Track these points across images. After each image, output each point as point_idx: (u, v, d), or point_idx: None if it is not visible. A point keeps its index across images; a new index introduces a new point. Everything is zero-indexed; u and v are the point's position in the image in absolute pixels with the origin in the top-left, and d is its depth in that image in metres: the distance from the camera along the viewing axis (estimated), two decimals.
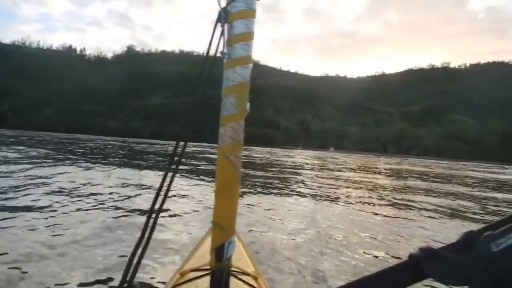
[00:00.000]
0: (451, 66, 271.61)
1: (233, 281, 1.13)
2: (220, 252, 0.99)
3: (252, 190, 8.26)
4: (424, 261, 0.61)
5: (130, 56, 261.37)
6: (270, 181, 10.42)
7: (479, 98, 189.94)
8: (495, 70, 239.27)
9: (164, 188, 0.89)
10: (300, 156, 38.60)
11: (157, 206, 0.88)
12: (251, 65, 0.93)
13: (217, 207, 0.98)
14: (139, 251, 0.86)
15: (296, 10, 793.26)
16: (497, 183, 17.34)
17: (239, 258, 1.44)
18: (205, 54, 0.97)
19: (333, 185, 10.67)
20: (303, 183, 10.60)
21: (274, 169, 16.11)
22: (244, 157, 27.33)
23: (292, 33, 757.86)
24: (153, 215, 0.92)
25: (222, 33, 0.96)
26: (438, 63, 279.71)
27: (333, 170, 18.21)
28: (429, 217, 6.39)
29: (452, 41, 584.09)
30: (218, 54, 0.96)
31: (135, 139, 59.73)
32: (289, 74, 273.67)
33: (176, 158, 0.90)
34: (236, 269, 1.24)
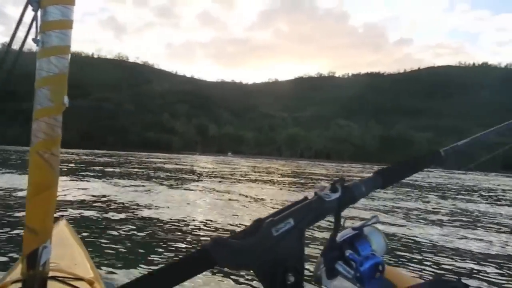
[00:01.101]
0: (336, 75, 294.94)
1: None
2: (33, 259, 0.93)
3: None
4: (213, 250, 0.67)
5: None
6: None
7: (360, 105, 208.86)
8: (372, 79, 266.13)
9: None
10: (199, 161, 37.86)
11: None
12: (69, 56, 0.89)
13: (30, 210, 0.92)
14: None
15: (190, 15, 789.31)
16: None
17: (76, 263, 1.40)
18: (12, 40, 0.90)
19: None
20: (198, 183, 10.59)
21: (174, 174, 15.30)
22: (141, 164, 25.71)
23: (188, 38, 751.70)
24: None
25: (34, 19, 0.89)
26: (325, 72, 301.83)
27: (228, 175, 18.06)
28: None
29: (336, 52, 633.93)
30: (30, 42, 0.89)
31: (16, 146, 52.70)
32: (185, 79, 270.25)
33: None
34: (68, 275, 1.20)
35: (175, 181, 13.59)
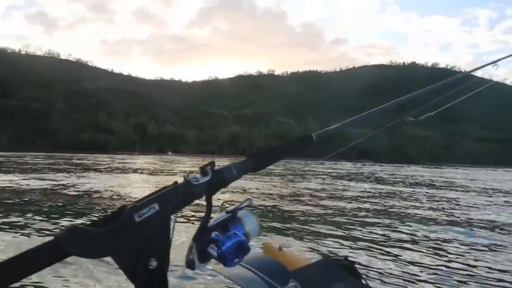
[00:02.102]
0: (276, 73, 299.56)
1: None
2: None
3: None
4: (65, 240, 0.63)
5: None
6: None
7: (299, 102, 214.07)
8: (310, 78, 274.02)
9: None
10: (135, 161, 36.89)
11: None
12: None
13: None
14: None
15: (126, 11, 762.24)
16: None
17: None
18: None
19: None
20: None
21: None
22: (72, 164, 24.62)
23: (124, 35, 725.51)
24: None
25: None
26: (265, 71, 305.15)
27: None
28: None
29: (275, 51, 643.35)
30: None
31: None
32: (121, 76, 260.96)
33: None
34: None
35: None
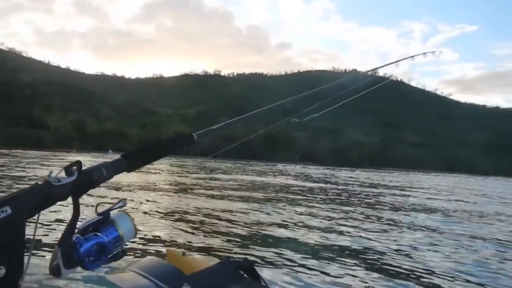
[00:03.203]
0: (222, 74, 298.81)
1: None
2: None
3: None
4: None
5: None
6: None
7: (245, 103, 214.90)
8: (256, 80, 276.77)
9: None
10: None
11: None
12: None
13: None
14: None
15: (65, 1, 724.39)
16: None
17: None
18: None
19: None
20: None
21: None
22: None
23: (62, 26, 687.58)
24: None
25: None
26: (211, 70, 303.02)
27: None
28: None
29: (221, 51, 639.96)
30: None
31: None
32: (59, 69, 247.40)
33: None
34: None
35: None
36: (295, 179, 22.77)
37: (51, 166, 20.69)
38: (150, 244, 5.17)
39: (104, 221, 0.86)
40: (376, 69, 2.19)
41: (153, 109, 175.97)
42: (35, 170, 18.26)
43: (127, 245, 0.91)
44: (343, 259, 5.08)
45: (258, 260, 4.65)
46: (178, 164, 38.54)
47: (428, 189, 23.60)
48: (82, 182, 0.77)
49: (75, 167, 0.78)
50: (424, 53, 2.25)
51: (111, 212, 0.88)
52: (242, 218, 7.95)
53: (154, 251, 4.76)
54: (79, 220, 0.83)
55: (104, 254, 0.80)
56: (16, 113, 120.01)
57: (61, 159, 36.00)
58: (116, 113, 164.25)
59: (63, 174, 0.77)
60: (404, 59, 2.21)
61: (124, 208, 0.90)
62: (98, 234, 0.81)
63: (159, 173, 21.68)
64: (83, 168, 0.80)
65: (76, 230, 0.82)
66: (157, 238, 5.61)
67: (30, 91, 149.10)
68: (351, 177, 31.43)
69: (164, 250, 4.56)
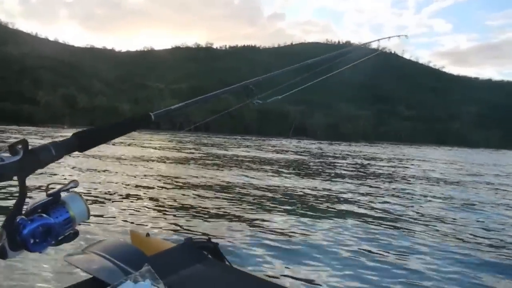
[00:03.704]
0: (214, 46, 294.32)
1: None
2: None
3: None
4: None
5: None
6: None
7: (237, 77, 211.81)
8: (248, 53, 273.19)
9: None
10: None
11: None
12: None
13: None
14: None
15: None
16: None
17: None
18: None
19: None
20: None
21: None
22: None
23: None
24: None
25: None
26: (202, 43, 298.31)
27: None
28: None
29: (213, 23, 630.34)
30: None
31: None
32: (48, 42, 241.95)
33: None
34: None
35: None
36: (285, 154, 22.68)
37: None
38: (113, 225, 5.08)
39: (54, 202, 0.84)
40: (343, 51, 2.31)
41: (144, 84, 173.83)
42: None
43: (80, 224, 0.89)
44: (312, 240, 5.04)
45: (226, 241, 4.59)
46: (164, 139, 38.18)
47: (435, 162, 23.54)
48: (28, 161, 0.76)
49: (20, 146, 0.76)
50: (389, 37, 2.48)
51: (62, 193, 0.86)
52: (217, 197, 7.79)
53: (117, 232, 4.69)
54: (27, 202, 0.81)
55: (50, 236, 0.79)
56: (5, 88, 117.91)
57: (56, 134, 35.69)
58: (108, 88, 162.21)
59: (8, 154, 0.75)
60: (372, 41, 2.49)
61: (75, 188, 0.87)
62: (44, 215, 0.79)
63: (132, 146, 21.52)
64: (30, 147, 0.78)
65: (24, 212, 0.80)
66: (121, 219, 5.50)
67: (19, 65, 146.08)
68: (349, 152, 31.44)
69: (128, 231, 4.34)
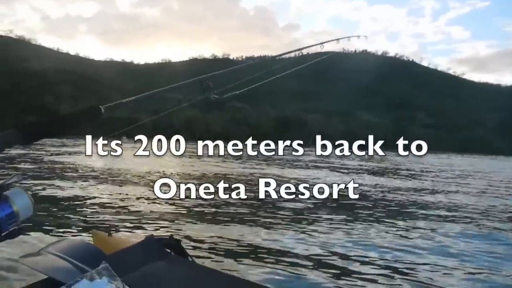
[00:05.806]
0: (231, 57, 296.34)
1: None
2: None
3: None
4: None
5: None
6: None
7: (254, 88, 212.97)
8: (265, 63, 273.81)
9: None
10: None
11: None
12: None
13: None
14: None
15: None
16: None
17: None
18: None
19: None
20: None
21: None
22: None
23: (67, 11, 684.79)
24: None
25: None
26: (219, 54, 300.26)
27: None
28: None
29: (229, 34, 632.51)
30: None
31: None
32: (68, 56, 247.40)
33: None
34: None
35: None
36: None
37: (75, 153, 19.97)
38: (74, 225, 4.93)
39: None
40: (301, 49, 2.29)
41: (163, 95, 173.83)
42: (72, 156, 18.32)
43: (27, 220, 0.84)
44: (284, 233, 5.03)
45: (190, 238, 4.51)
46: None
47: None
48: None
49: None
50: (349, 37, 2.45)
51: (3, 188, 0.82)
52: (187, 196, 7.71)
53: (78, 232, 4.54)
54: None
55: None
56: (27, 102, 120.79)
57: (78, 143, 36.19)
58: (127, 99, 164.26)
59: None
60: (330, 41, 2.45)
61: (21, 182, 0.83)
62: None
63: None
64: None
65: None
66: (84, 218, 5.35)
67: (41, 79, 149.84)
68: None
69: (89, 230, 4.19)
